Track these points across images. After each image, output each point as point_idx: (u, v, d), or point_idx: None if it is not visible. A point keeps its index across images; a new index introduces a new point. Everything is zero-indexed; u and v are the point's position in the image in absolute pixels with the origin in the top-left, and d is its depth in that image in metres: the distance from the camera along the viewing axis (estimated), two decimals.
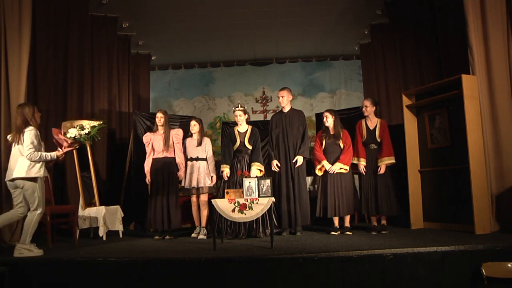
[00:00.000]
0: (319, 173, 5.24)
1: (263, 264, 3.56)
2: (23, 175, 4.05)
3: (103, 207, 5.37)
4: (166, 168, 5.35)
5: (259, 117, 9.47)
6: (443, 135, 5.26)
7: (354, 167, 5.27)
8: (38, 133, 4.21)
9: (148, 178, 5.44)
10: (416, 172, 5.50)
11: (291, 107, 5.52)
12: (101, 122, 5.68)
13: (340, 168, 5.10)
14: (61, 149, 4.50)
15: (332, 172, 5.12)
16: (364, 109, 5.34)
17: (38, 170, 4.12)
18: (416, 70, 6.76)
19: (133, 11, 7.14)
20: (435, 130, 5.35)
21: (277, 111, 5.89)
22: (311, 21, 7.73)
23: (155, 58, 9.00)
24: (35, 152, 4.09)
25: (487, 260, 3.49)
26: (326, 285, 3.47)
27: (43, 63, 5.90)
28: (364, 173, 5.20)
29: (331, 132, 5.27)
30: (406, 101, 5.59)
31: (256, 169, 5.16)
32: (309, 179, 6.79)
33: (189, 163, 5.38)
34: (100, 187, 6.01)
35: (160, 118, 5.44)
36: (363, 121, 5.38)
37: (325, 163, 5.16)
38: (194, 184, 5.30)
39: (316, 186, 6.79)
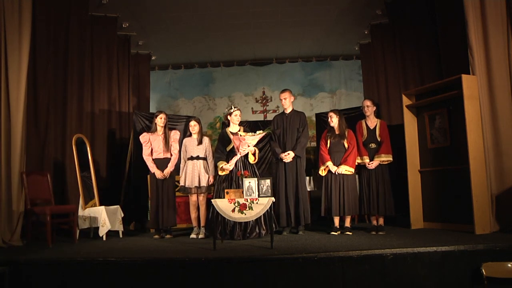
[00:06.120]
0: (322, 173, 5.24)
1: (263, 264, 3.55)
2: None
3: (103, 207, 5.36)
4: (165, 168, 5.42)
5: (259, 117, 9.45)
6: (443, 135, 5.26)
7: (356, 168, 5.25)
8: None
9: (159, 173, 5.38)
10: (416, 172, 5.50)
11: (293, 109, 5.54)
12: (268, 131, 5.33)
13: (346, 170, 5.10)
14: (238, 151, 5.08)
15: (336, 173, 5.12)
16: (366, 109, 5.33)
17: None
18: (416, 70, 6.75)
19: (133, 11, 7.13)
20: (435, 130, 5.35)
21: (277, 111, 5.87)
22: (311, 21, 7.72)
23: (155, 58, 8.98)
24: None
25: (487, 260, 3.49)
26: (326, 285, 3.47)
27: (43, 63, 5.89)
28: (370, 167, 5.16)
29: (336, 132, 5.27)
30: (406, 101, 5.59)
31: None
32: (308, 179, 6.78)
33: (189, 162, 5.37)
34: (100, 187, 6.01)
35: (163, 119, 5.47)
36: (363, 121, 5.39)
37: (330, 164, 5.14)
38: (196, 183, 5.30)
39: (315, 187, 6.77)
